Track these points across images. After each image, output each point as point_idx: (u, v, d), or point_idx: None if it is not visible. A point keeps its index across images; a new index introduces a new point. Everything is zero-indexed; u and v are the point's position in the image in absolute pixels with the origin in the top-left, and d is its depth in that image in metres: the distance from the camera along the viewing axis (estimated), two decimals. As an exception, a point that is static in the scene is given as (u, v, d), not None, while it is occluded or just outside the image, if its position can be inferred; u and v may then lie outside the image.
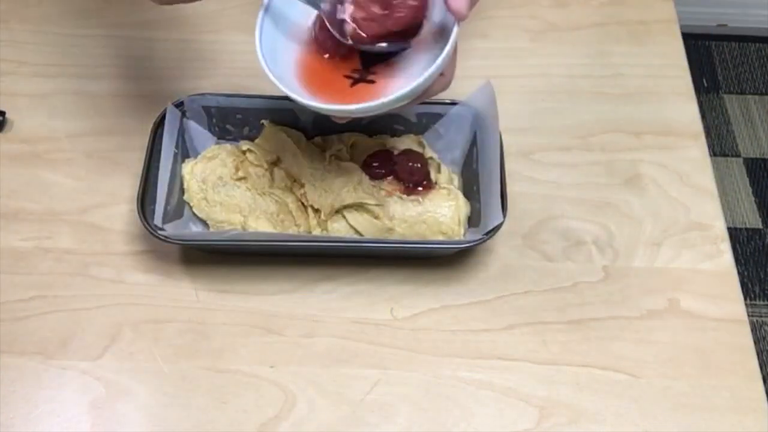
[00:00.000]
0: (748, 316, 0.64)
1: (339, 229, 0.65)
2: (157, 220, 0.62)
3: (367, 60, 0.58)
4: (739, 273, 0.67)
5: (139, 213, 0.61)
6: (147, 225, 0.61)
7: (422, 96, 0.55)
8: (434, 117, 0.69)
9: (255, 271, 0.65)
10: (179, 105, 0.67)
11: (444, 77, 0.56)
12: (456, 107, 0.68)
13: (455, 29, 0.52)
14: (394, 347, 0.62)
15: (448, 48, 0.52)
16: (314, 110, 0.55)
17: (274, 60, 0.57)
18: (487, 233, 0.61)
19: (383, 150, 0.68)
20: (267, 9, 0.58)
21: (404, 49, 0.57)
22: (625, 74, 0.79)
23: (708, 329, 0.63)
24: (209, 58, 0.79)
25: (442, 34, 0.54)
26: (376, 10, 0.55)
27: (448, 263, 0.66)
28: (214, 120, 0.69)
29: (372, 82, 0.57)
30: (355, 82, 0.57)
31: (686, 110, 0.76)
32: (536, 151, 0.73)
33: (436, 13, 0.56)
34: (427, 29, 0.56)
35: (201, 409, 0.59)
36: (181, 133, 0.68)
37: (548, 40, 0.82)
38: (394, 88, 0.54)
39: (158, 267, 0.66)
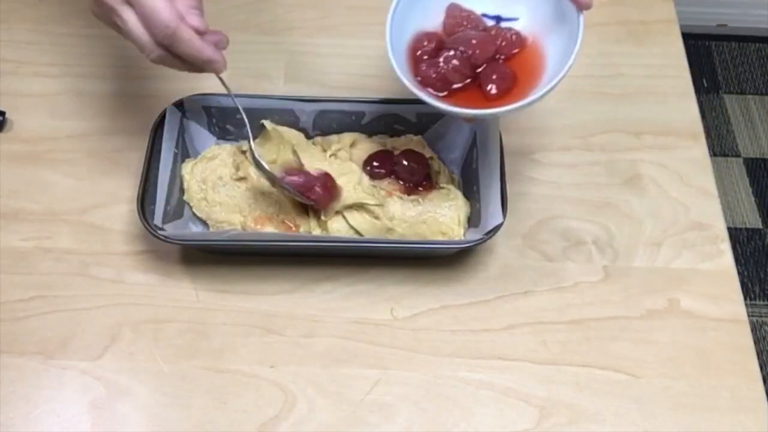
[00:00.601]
0: (748, 316, 0.64)
1: (339, 229, 0.65)
2: (157, 220, 0.62)
3: None
4: (739, 273, 0.67)
5: (139, 213, 0.61)
6: (147, 225, 0.61)
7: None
8: (434, 117, 0.69)
9: (255, 271, 0.65)
10: (179, 105, 0.67)
11: None
12: (456, 107, 0.68)
13: (581, 19, 0.54)
14: (394, 347, 0.62)
15: (580, 39, 0.54)
16: (456, 115, 0.57)
17: (401, 64, 0.58)
18: (487, 233, 0.61)
19: (383, 150, 0.68)
20: (394, 12, 0.58)
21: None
22: (625, 74, 0.79)
23: (708, 329, 0.63)
24: (209, 58, 0.79)
25: (560, 21, 0.56)
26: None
27: (448, 263, 0.66)
28: (214, 120, 0.69)
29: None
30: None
31: (686, 110, 0.76)
32: (536, 151, 0.73)
33: (546, 6, 0.58)
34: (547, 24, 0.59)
35: (201, 409, 0.59)
36: (181, 133, 0.68)
37: (548, 40, 0.82)
38: (530, 87, 0.56)
39: (158, 267, 0.66)
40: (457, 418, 0.59)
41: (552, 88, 0.54)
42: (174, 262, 0.66)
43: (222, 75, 0.59)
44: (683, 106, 0.77)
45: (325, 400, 0.60)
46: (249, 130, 0.62)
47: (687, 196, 0.70)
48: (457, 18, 0.60)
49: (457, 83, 0.58)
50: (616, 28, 0.83)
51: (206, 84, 0.74)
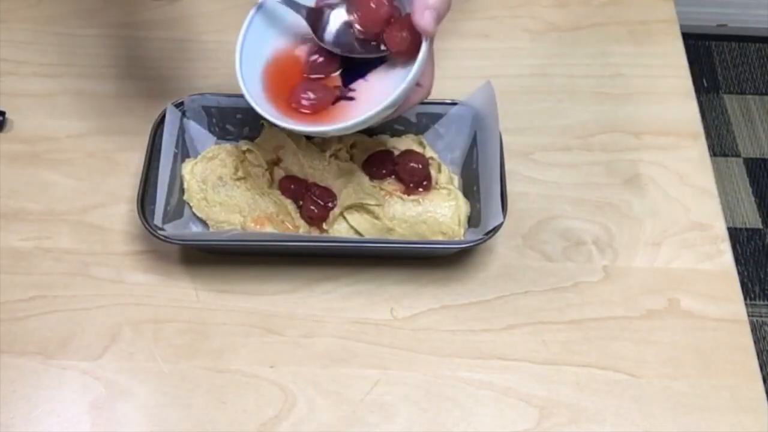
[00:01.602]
0: (748, 316, 0.64)
1: (339, 230, 0.65)
2: (157, 220, 0.62)
3: (347, 78, 0.59)
4: (739, 273, 0.67)
5: (139, 213, 0.61)
6: (147, 225, 0.61)
7: (402, 107, 0.57)
8: (434, 117, 0.69)
9: (255, 271, 0.65)
10: (179, 105, 0.67)
11: (422, 88, 0.57)
12: (456, 107, 0.68)
13: (425, 44, 0.53)
14: (394, 347, 0.62)
15: (417, 63, 0.53)
16: (290, 131, 0.57)
17: (253, 78, 0.58)
18: (487, 233, 0.61)
19: (383, 150, 0.68)
20: (249, 27, 0.59)
21: (382, 60, 0.58)
22: (625, 74, 0.79)
23: (708, 329, 0.63)
24: (209, 58, 0.79)
25: (418, 48, 0.55)
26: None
27: (448, 263, 0.66)
28: (214, 120, 0.69)
29: (352, 99, 0.58)
30: (336, 99, 0.58)
31: (686, 110, 0.76)
32: (536, 151, 0.73)
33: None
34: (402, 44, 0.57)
35: (201, 409, 0.59)
36: (181, 133, 0.68)
37: (548, 40, 0.82)
38: (372, 105, 0.55)
39: (158, 267, 0.66)
40: (457, 418, 0.59)
41: (372, 117, 0.54)
42: (174, 262, 0.66)
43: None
44: (683, 106, 0.77)
45: (325, 400, 0.60)
46: None
47: (687, 196, 0.70)
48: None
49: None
50: (616, 28, 0.83)
51: (206, 84, 0.74)
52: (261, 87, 0.58)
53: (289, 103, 0.57)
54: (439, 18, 0.53)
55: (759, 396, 0.60)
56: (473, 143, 0.68)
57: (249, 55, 0.58)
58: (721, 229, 0.69)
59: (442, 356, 0.62)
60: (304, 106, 0.57)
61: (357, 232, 0.65)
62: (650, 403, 0.60)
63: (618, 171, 0.72)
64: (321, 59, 0.59)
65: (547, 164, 0.72)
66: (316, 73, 0.59)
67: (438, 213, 0.65)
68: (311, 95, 0.57)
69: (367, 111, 0.54)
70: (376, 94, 0.57)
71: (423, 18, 0.52)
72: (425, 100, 0.60)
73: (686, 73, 0.79)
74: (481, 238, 0.61)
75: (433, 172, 0.67)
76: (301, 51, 0.60)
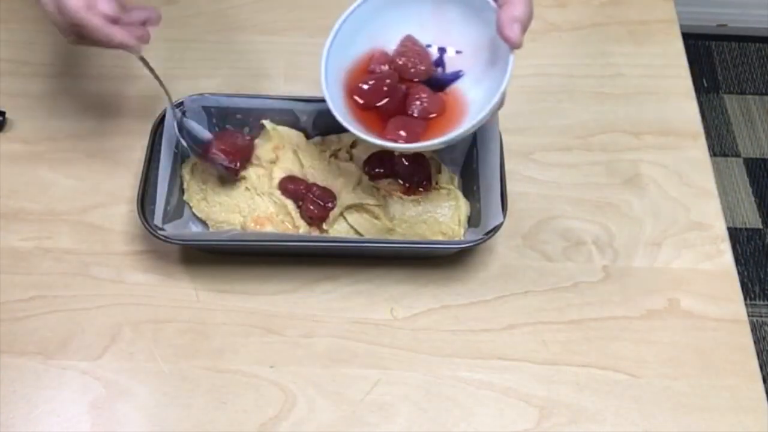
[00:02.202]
0: (748, 316, 0.64)
1: (339, 230, 0.65)
2: (157, 220, 0.62)
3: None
4: (739, 273, 0.67)
5: (139, 213, 0.61)
6: (147, 225, 0.61)
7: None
8: (434, 117, 0.69)
9: (255, 271, 0.65)
10: (179, 105, 0.67)
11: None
12: (456, 107, 0.68)
13: (511, 58, 0.54)
14: (394, 347, 0.62)
15: (506, 80, 0.54)
16: (388, 149, 0.58)
17: (336, 96, 0.58)
18: (487, 233, 0.61)
19: (383, 150, 0.68)
20: (330, 48, 0.59)
21: (457, 75, 0.60)
22: (625, 74, 0.79)
23: (708, 329, 0.63)
24: (209, 58, 0.79)
25: (495, 58, 0.56)
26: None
27: (448, 263, 0.66)
28: (214, 120, 0.69)
29: (428, 120, 0.59)
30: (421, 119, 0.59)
31: (686, 110, 0.76)
32: (536, 151, 0.73)
33: (487, 42, 0.58)
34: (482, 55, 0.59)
35: (201, 409, 0.59)
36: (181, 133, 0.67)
37: (548, 40, 0.82)
38: (453, 122, 0.56)
39: (158, 267, 0.66)
40: (457, 418, 0.59)
41: (476, 126, 0.55)
42: (174, 262, 0.66)
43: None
44: (683, 106, 0.77)
45: (325, 400, 0.60)
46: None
47: (687, 196, 0.70)
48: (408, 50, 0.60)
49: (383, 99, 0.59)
50: (616, 28, 0.83)
51: (206, 84, 0.74)
52: (342, 96, 0.59)
53: (384, 135, 0.57)
54: (525, 30, 0.53)
55: (759, 396, 0.60)
56: (473, 143, 0.68)
57: (332, 63, 0.59)
58: (721, 229, 0.69)
59: (442, 356, 0.62)
60: (401, 137, 0.57)
61: (357, 232, 0.65)
62: (650, 403, 0.60)
63: (618, 171, 0.72)
64: (376, 85, 0.59)
65: (547, 164, 0.72)
66: (364, 98, 0.59)
67: (438, 213, 0.65)
68: (405, 132, 0.57)
69: (455, 128, 0.55)
70: (457, 109, 0.58)
71: (512, 30, 0.53)
72: None
73: (686, 73, 0.79)
74: (481, 238, 0.61)
75: (432, 172, 0.67)
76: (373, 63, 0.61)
